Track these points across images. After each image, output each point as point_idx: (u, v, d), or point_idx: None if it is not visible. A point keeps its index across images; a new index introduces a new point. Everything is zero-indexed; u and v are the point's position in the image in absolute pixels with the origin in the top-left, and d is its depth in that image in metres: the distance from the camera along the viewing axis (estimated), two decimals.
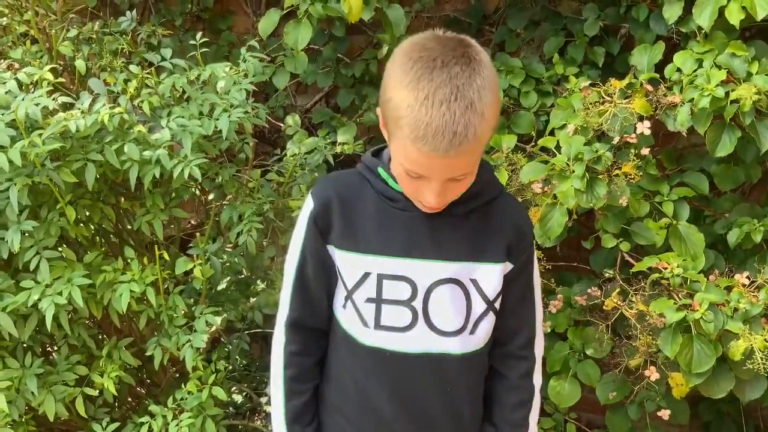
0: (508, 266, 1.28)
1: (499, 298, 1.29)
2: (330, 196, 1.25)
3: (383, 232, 1.24)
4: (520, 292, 1.32)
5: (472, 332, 1.27)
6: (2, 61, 1.66)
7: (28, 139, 1.45)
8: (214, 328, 1.88)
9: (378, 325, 1.26)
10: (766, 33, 1.90)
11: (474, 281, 1.26)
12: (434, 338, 1.25)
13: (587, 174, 1.73)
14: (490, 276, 1.26)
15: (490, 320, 1.29)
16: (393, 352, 1.25)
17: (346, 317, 1.29)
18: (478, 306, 1.27)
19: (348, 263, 1.26)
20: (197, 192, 1.99)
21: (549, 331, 1.88)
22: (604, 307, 1.72)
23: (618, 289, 1.73)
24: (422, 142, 1.05)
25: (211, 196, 1.99)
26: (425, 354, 1.26)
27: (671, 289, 1.70)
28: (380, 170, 1.25)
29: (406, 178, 1.15)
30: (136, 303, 1.67)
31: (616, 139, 1.81)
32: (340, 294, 1.29)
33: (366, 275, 1.25)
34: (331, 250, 1.26)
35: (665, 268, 1.70)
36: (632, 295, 1.70)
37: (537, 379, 1.36)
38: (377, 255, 1.24)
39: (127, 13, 1.94)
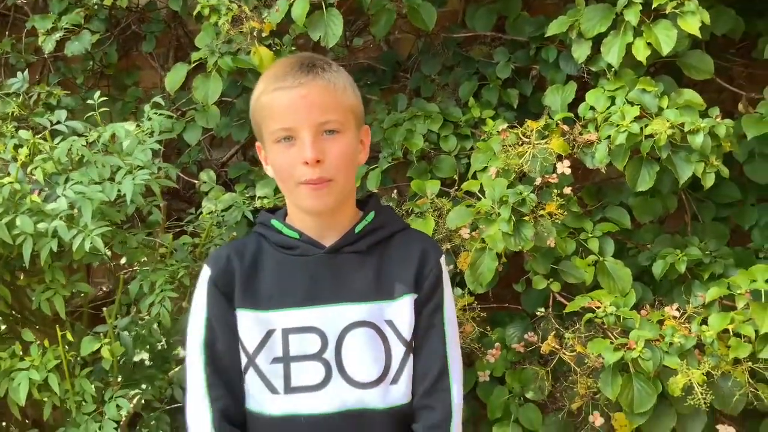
0: (415, 296, 1.17)
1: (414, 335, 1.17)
2: (227, 257, 1.18)
3: (284, 285, 1.15)
4: (427, 322, 1.17)
5: (394, 381, 1.15)
6: None
7: None
8: (131, 408, 1.68)
9: (288, 388, 1.13)
10: (669, 67, 1.92)
11: (389, 322, 1.15)
12: (351, 392, 1.13)
13: (513, 216, 1.67)
14: (403, 312, 1.15)
15: (411, 367, 1.16)
16: (308, 416, 1.12)
17: (249, 389, 1.15)
18: (397, 351, 1.15)
19: (249, 323, 1.14)
20: (106, 257, 1.81)
21: (487, 380, 1.79)
22: (541, 352, 1.64)
23: (554, 332, 1.66)
24: (278, 82, 1.11)
25: (123, 260, 1.81)
26: (344, 412, 1.12)
27: (606, 327, 1.65)
28: (273, 221, 1.20)
29: (281, 154, 1.12)
30: (38, 391, 1.47)
31: (538, 180, 1.77)
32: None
33: (269, 333, 1.14)
34: (238, 314, 1.14)
35: (598, 307, 1.65)
36: (569, 339, 1.63)
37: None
38: (279, 309, 1.14)
39: (18, 74, 1.76)
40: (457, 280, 1.94)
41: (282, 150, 1.12)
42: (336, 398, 1.12)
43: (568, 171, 1.76)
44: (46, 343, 1.48)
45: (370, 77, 2.35)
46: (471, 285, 1.71)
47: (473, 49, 2.22)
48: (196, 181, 2.23)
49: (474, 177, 1.86)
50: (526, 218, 1.69)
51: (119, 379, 1.62)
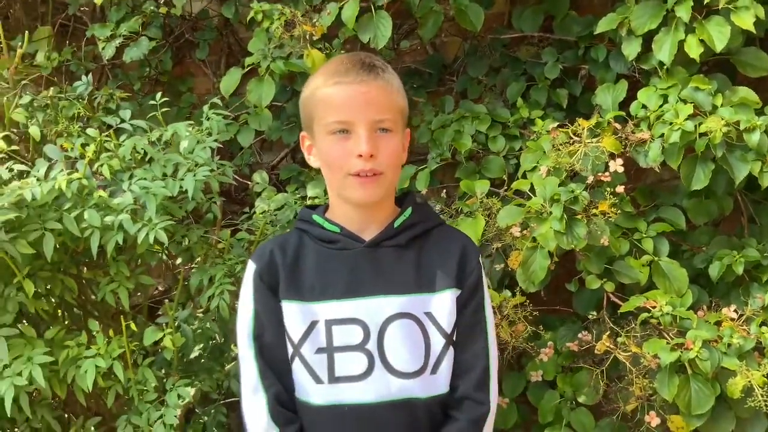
0: (458, 292, 1.21)
1: (456, 330, 1.20)
2: (271, 251, 1.23)
3: (326, 277, 1.20)
4: (471, 319, 1.22)
5: (433, 372, 1.18)
6: None
7: None
8: (187, 401, 1.73)
9: (332, 378, 1.16)
10: (723, 66, 1.90)
11: (429, 314, 1.19)
12: (394, 382, 1.16)
13: (565, 215, 1.67)
14: (444, 306, 1.19)
15: (450, 358, 1.19)
16: (352, 405, 1.15)
17: (295, 378, 1.19)
18: (437, 342, 1.18)
19: (293, 314, 1.18)
20: (164, 256, 1.87)
21: (540, 380, 1.78)
22: (596, 351, 1.63)
23: (608, 332, 1.65)
24: (339, 76, 1.16)
25: (179, 260, 1.86)
26: (387, 402, 1.15)
27: (661, 328, 1.63)
28: (315, 216, 1.24)
29: (335, 145, 1.16)
30: (102, 379, 1.53)
31: (590, 179, 1.76)
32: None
33: (313, 324, 1.18)
34: (282, 305, 1.19)
35: (654, 307, 1.63)
36: (624, 337, 1.62)
37: (487, 430, 1.22)
38: (322, 301, 1.18)
39: (83, 77, 1.84)
40: (507, 282, 1.94)
41: (336, 141, 1.16)
42: (379, 388, 1.16)
43: (621, 169, 1.75)
44: (111, 333, 1.53)
45: (416, 80, 2.37)
46: (523, 284, 1.71)
47: (520, 50, 2.23)
48: (249, 182, 2.28)
49: (523, 176, 1.87)
50: (579, 216, 1.69)
51: (179, 369, 1.67)
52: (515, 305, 1.69)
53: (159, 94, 1.66)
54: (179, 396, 1.53)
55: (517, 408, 1.88)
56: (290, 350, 1.18)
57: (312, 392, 1.17)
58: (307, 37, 1.96)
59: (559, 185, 1.72)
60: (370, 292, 1.18)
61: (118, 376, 1.50)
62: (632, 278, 1.76)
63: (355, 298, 1.18)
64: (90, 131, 1.57)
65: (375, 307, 1.17)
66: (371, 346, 1.16)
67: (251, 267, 1.23)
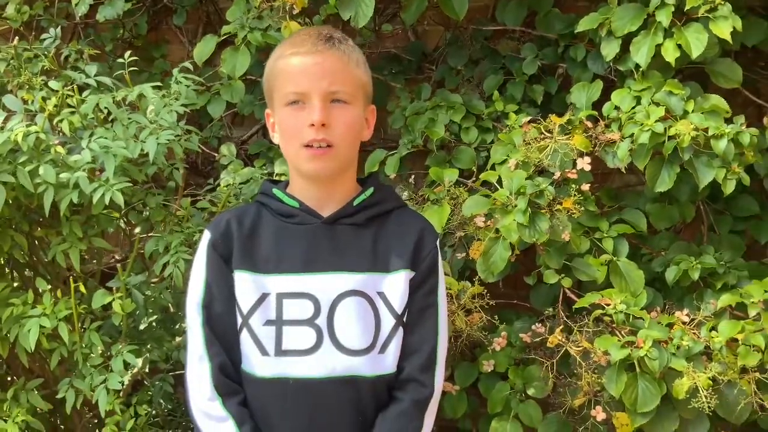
0: (411, 274, 1.21)
1: (407, 312, 1.20)
2: (227, 221, 1.22)
3: (281, 251, 1.19)
4: (422, 302, 1.22)
5: (381, 351, 1.18)
6: None
7: None
8: (136, 370, 1.70)
9: (279, 351, 1.16)
10: (697, 76, 1.92)
11: (381, 294, 1.19)
12: (341, 358, 1.15)
13: (529, 208, 1.67)
14: (396, 286, 1.19)
15: (399, 339, 1.19)
16: (297, 379, 1.15)
17: (243, 349, 1.18)
18: (387, 322, 1.18)
19: (245, 285, 1.17)
20: (122, 224, 1.83)
21: (490, 370, 1.78)
22: (548, 344, 1.64)
23: (562, 326, 1.66)
24: (295, 47, 1.16)
25: (137, 230, 1.82)
26: (333, 378, 1.15)
27: (614, 326, 1.65)
28: (275, 190, 1.24)
29: (290, 116, 1.16)
30: (47, 340, 1.49)
31: (557, 175, 1.77)
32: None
33: (264, 296, 1.17)
34: (234, 275, 1.18)
35: (608, 305, 1.64)
36: (576, 333, 1.63)
37: (430, 414, 1.21)
38: (276, 274, 1.18)
39: (51, 30, 1.79)
40: (467, 273, 1.95)
41: (291, 112, 1.16)
42: (326, 364, 1.15)
43: (588, 167, 1.76)
44: (59, 293, 1.49)
45: (395, 66, 2.36)
46: (482, 274, 1.71)
47: (501, 43, 2.23)
48: (216, 154, 2.24)
49: (493, 168, 1.87)
50: (543, 211, 1.70)
51: (127, 338, 1.63)
52: (473, 295, 1.69)
53: (128, 53, 1.62)
54: (125, 363, 1.49)
55: (467, 398, 1.89)
56: (239, 321, 1.17)
57: (257, 364, 1.16)
58: (287, 8, 1.94)
59: (526, 179, 1.72)
60: (323, 268, 1.17)
61: (63, 339, 1.46)
62: (590, 276, 1.78)
63: (308, 273, 1.17)
64: (52, 84, 1.52)
65: (328, 283, 1.16)
66: (321, 321, 1.15)
67: (206, 236, 1.22)
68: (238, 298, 1.18)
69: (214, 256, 1.19)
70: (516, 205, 1.67)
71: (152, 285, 1.74)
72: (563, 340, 1.61)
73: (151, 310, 1.67)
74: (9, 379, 1.73)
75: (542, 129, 1.84)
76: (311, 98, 1.14)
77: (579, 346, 1.61)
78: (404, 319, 1.19)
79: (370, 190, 1.25)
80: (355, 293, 1.17)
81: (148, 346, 1.66)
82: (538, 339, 1.70)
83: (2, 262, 1.57)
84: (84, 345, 1.52)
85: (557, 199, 1.72)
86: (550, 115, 1.89)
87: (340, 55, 1.17)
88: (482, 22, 2.25)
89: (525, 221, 1.64)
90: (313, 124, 1.13)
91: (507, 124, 1.96)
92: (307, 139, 1.14)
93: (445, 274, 1.71)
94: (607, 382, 1.59)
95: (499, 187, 1.76)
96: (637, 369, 1.58)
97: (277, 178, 1.99)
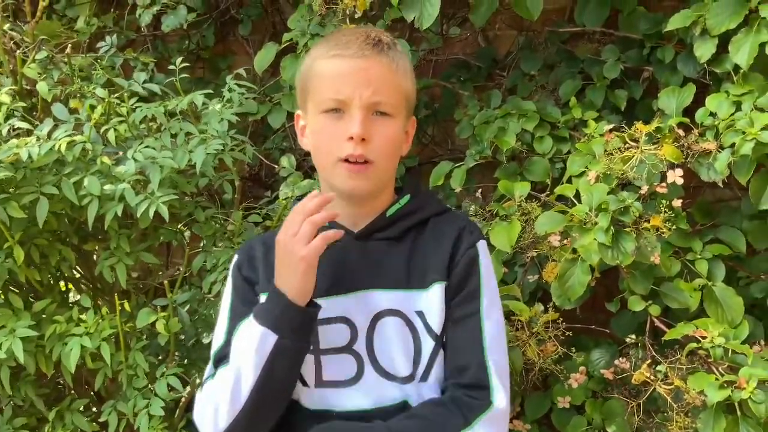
0: (445, 284, 1.04)
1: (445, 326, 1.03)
2: (253, 246, 1.11)
3: None
4: (458, 312, 1.03)
5: (423, 379, 1.01)
6: None
7: None
8: (188, 390, 1.58)
9: (320, 381, 1.02)
10: None
11: (419, 313, 1.02)
12: (387, 386, 1.01)
13: (612, 227, 1.46)
14: (434, 302, 1.02)
15: (441, 363, 1.03)
16: (341, 413, 1.00)
17: None
18: (427, 344, 1.02)
19: None
20: (181, 232, 1.73)
21: (567, 407, 1.57)
22: (633, 381, 1.42)
23: (648, 361, 1.43)
24: (339, 49, 1.01)
25: (202, 243, 1.72)
26: (382, 408, 1.00)
27: (711, 361, 1.41)
28: None
29: (326, 125, 1.01)
30: (91, 360, 1.39)
31: (644, 189, 1.54)
32: None
33: None
34: (262, 299, 1.03)
35: (704, 337, 1.41)
36: (666, 370, 1.40)
37: (486, 426, 0.97)
38: None
39: (107, 38, 1.72)
40: (539, 295, 1.75)
41: (327, 121, 1.02)
42: (370, 393, 1.01)
43: (680, 181, 1.53)
44: (104, 311, 1.40)
45: (464, 73, 2.18)
46: (557, 299, 1.51)
47: (579, 46, 2.02)
48: (276, 166, 2.13)
49: (569, 181, 1.66)
50: (627, 230, 1.48)
51: (176, 357, 1.52)
52: (546, 323, 1.48)
53: (179, 60, 1.51)
54: (169, 386, 1.38)
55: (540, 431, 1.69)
56: None
57: (301, 394, 1.04)
58: (348, 12, 1.80)
59: (609, 193, 1.51)
60: (357, 286, 1.03)
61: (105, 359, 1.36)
62: (681, 303, 1.54)
63: (341, 294, 1.03)
64: (99, 91, 1.43)
65: (363, 303, 1.02)
66: (359, 346, 1.01)
67: (234, 259, 1.12)
68: None
69: (238, 277, 1.09)
70: (596, 223, 1.46)
71: (211, 300, 1.63)
72: (651, 377, 1.38)
73: (200, 328, 1.55)
74: (58, 395, 1.65)
75: (626, 138, 1.62)
76: (351, 108, 1.00)
77: (669, 384, 1.38)
78: (444, 339, 1.03)
79: (406, 198, 1.10)
80: (392, 313, 1.02)
81: (198, 367, 1.53)
82: (621, 376, 1.47)
83: (51, 276, 1.49)
84: (129, 365, 1.41)
85: (644, 217, 1.50)
86: (635, 122, 1.67)
87: (388, 62, 1.03)
88: (558, 24, 2.05)
89: (607, 241, 1.43)
90: (352, 138, 0.99)
91: (585, 132, 1.75)
92: (345, 154, 1.00)
93: (515, 297, 1.52)
94: (702, 427, 1.35)
95: (576, 202, 1.55)
96: (738, 412, 1.34)
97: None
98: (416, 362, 1.01)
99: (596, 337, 1.77)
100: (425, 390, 1.02)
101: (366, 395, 1.00)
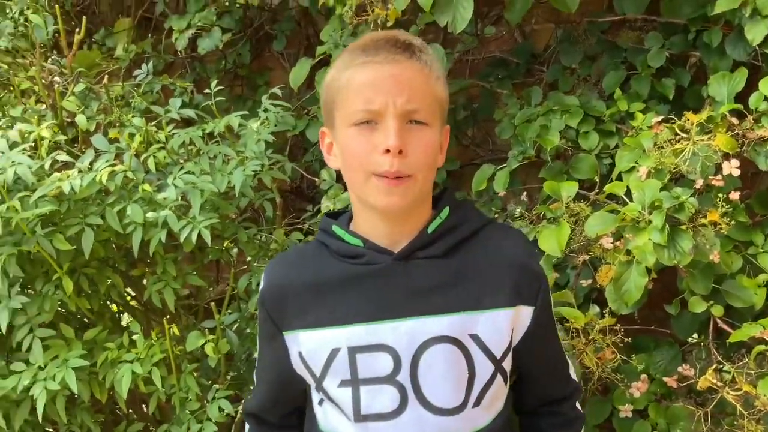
0: (526, 310, 0.98)
1: (508, 356, 0.97)
2: (281, 275, 1.03)
3: (350, 298, 0.97)
4: (548, 344, 1.03)
5: (476, 404, 0.95)
6: (1, 120, 1.45)
7: (8, 203, 1.21)
8: (236, 413, 1.57)
9: (359, 416, 0.95)
10: None
11: (475, 337, 0.95)
12: (432, 420, 0.94)
13: (667, 225, 1.37)
14: (496, 327, 0.95)
15: (498, 387, 0.97)
16: None
17: (323, 414, 1.01)
18: (483, 369, 0.96)
19: (313, 344, 0.98)
20: (229, 252, 1.72)
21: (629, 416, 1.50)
22: (698, 388, 1.33)
23: (714, 366, 1.34)
24: (367, 55, 0.93)
25: (248, 258, 1.71)
26: None
27: None
28: (334, 227, 1.01)
29: (357, 138, 0.93)
30: (144, 384, 1.39)
31: (699, 183, 1.45)
32: (311, 388, 1.02)
33: (334, 352, 0.96)
34: (292, 336, 0.99)
35: None
36: (732, 372, 1.31)
37: None
38: (344, 326, 0.96)
39: (143, 65, 1.72)
40: (593, 296, 1.67)
41: (358, 134, 0.93)
42: (414, 428, 0.94)
43: (736, 172, 1.43)
44: (154, 335, 1.39)
45: (501, 71, 2.12)
46: (613, 304, 1.43)
47: (620, 35, 1.92)
48: (317, 179, 2.11)
49: (619, 178, 1.58)
50: (684, 227, 1.39)
51: (227, 378, 1.51)
52: (603, 329, 1.41)
53: (214, 83, 1.50)
54: (220, 408, 1.37)
55: None
56: (312, 384, 1.01)
57: (340, 428, 0.99)
58: (379, 22, 1.76)
59: (662, 189, 1.42)
60: (400, 313, 0.95)
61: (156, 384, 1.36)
62: (745, 301, 1.44)
63: (382, 321, 0.95)
64: (136, 120, 1.43)
65: (407, 331, 0.95)
66: (403, 377, 0.94)
67: (261, 285, 1.05)
68: (307, 360, 1.00)
69: (263, 315, 1.03)
70: (650, 222, 1.38)
71: (254, 318, 1.62)
72: (717, 383, 1.30)
73: (249, 347, 1.54)
74: (113, 419, 1.66)
75: (676, 129, 1.53)
76: (385, 118, 0.92)
77: (737, 390, 1.29)
78: (504, 366, 0.98)
79: (446, 211, 1.02)
80: (441, 340, 0.95)
81: (250, 387, 1.52)
82: (686, 383, 1.39)
83: (100, 304, 1.50)
84: (181, 388, 1.40)
85: (701, 212, 1.41)
86: (684, 112, 1.58)
87: (421, 66, 0.95)
88: (597, 13, 1.97)
89: (663, 241, 1.35)
90: (388, 150, 0.91)
91: (633, 125, 1.67)
92: (381, 170, 0.92)
93: (568, 303, 1.45)
94: None
95: (628, 200, 1.48)
96: None
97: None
98: (469, 388, 0.95)
99: (656, 337, 1.69)
100: (478, 415, 0.96)
101: (408, 430, 0.94)
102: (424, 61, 0.96)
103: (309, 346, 0.98)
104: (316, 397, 1.01)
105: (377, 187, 0.93)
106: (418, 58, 0.95)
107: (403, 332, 0.94)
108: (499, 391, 0.98)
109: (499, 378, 0.97)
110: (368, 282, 0.97)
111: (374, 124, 0.93)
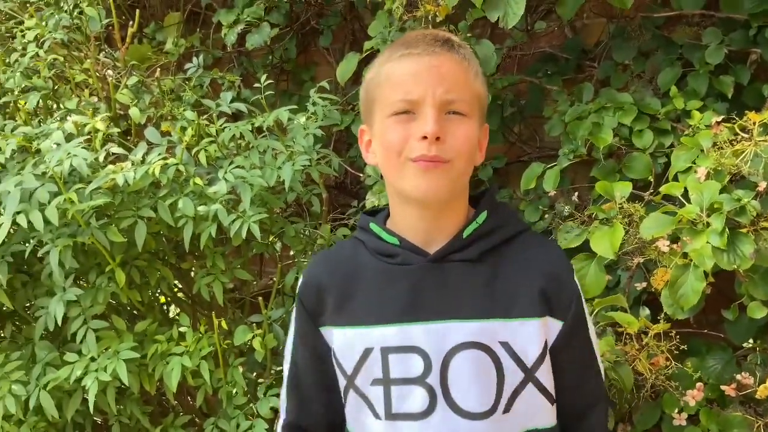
0: (554, 324, 0.96)
1: (542, 365, 0.95)
2: (319, 272, 1.03)
3: (382, 297, 0.97)
4: (582, 359, 0.99)
5: (506, 411, 0.94)
6: (57, 112, 1.47)
7: (65, 195, 1.22)
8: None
9: (389, 414, 0.95)
10: None
11: (505, 344, 0.94)
12: (460, 423, 0.93)
13: (727, 228, 1.32)
14: (526, 335, 0.94)
15: (530, 395, 0.95)
16: None
17: (351, 411, 0.99)
18: (513, 375, 0.94)
19: (346, 342, 0.98)
20: (275, 246, 1.72)
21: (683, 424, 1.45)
22: (757, 396, 1.28)
23: None
24: (407, 48, 0.94)
25: (291, 252, 1.71)
26: None
27: None
28: (372, 225, 1.01)
29: (394, 127, 0.92)
30: (192, 377, 1.40)
31: (762, 185, 1.39)
32: (341, 386, 1.01)
33: (368, 351, 0.96)
34: (327, 332, 0.99)
35: None
36: None
37: None
38: (377, 325, 0.96)
39: (194, 59, 1.73)
40: (644, 298, 1.62)
41: (396, 123, 0.93)
42: (442, 429, 0.94)
43: None
44: (202, 329, 1.40)
45: (551, 66, 2.07)
46: (669, 309, 1.38)
47: (676, 30, 1.86)
48: (362, 174, 2.09)
49: (675, 179, 1.53)
50: (744, 230, 1.34)
51: (272, 373, 1.51)
52: (657, 334, 1.36)
53: (264, 77, 1.50)
54: (271, 407, 1.36)
55: None
56: (344, 382, 1.00)
57: (369, 427, 0.98)
58: (430, 18, 1.74)
59: (721, 191, 1.37)
60: (432, 315, 0.95)
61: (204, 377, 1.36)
62: None
63: (414, 322, 0.95)
64: (188, 113, 1.43)
65: (438, 334, 0.94)
66: (432, 380, 0.94)
67: (300, 281, 1.06)
68: (339, 357, 1.00)
69: (300, 311, 1.03)
70: (709, 224, 1.33)
71: None
72: None
73: None
74: (161, 411, 1.67)
75: (737, 129, 1.47)
76: (423, 107, 0.92)
77: None
78: (537, 376, 0.95)
79: (483, 215, 1.00)
80: (471, 345, 0.94)
81: None
82: (744, 392, 1.33)
83: (150, 296, 1.51)
84: (228, 382, 1.41)
85: (763, 215, 1.35)
86: (744, 110, 1.52)
87: (460, 59, 0.95)
88: (652, 8, 1.90)
89: (722, 244, 1.29)
90: (425, 137, 0.90)
91: (690, 124, 1.61)
92: (416, 154, 0.91)
93: (620, 308, 1.40)
94: None
95: (685, 202, 1.42)
96: None
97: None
98: (499, 395, 0.94)
99: (709, 341, 1.63)
100: (507, 422, 0.94)
101: (436, 431, 0.93)
102: (462, 54, 0.96)
103: (342, 343, 0.99)
104: (343, 394, 1.01)
105: (414, 172, 0.92)
106: (456, 51, 0.96)
107: (434, 335, 0.94)
108: (535, 402, 0.96)
109: (531, 387, 0.95)
110: (402, 282, 0.97)
111: (413, 115, 0.93)
